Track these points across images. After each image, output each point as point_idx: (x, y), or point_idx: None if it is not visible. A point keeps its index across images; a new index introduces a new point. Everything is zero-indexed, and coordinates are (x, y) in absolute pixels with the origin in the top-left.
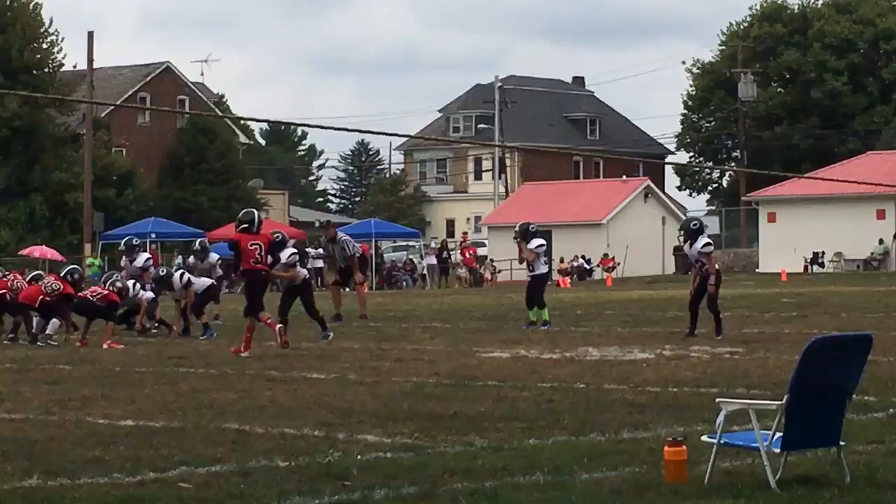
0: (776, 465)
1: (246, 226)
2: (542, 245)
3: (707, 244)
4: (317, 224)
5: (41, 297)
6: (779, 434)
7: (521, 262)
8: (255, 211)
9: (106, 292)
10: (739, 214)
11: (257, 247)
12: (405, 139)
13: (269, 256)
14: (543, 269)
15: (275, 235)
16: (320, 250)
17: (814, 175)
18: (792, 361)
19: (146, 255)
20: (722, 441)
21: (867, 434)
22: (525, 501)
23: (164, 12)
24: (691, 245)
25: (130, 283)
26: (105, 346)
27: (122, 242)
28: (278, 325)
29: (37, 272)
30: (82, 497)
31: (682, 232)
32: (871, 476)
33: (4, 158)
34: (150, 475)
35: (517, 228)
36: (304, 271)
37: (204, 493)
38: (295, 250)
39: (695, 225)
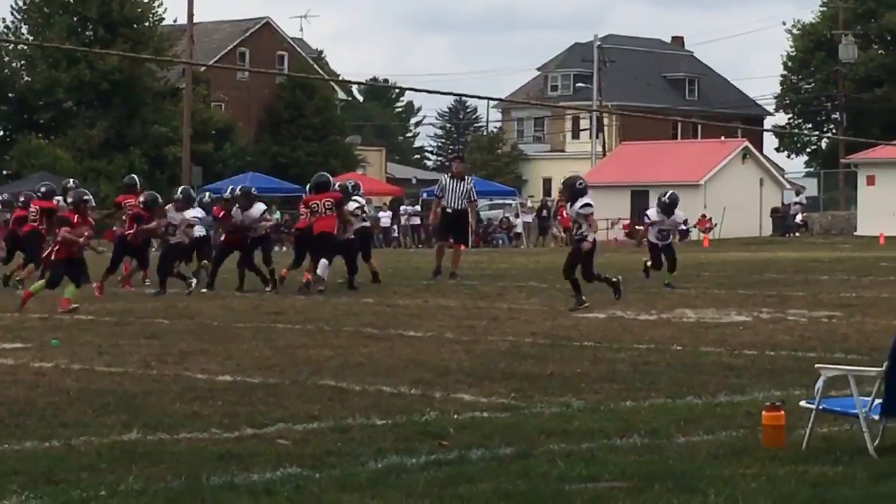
0: (875, 431)
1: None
2: (587, 205)
3: (586, 205)
4: (413, 181)
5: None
6: (878, 401)
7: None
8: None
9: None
10: (838, 177)
11: None
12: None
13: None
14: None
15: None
16: (417, 207)
17: None
18: (890, 326)
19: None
20: (820, 407)
21: None
22: (621, 464)
23: None
24: (572, 205)
25: None
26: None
27: (238, 189)
28: None
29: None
30: (181, 451)
31: (565, 190)
32: None
33: (104, 112)
34: (247, 431)
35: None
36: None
37: (301, 450)
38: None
39: (580, 184)
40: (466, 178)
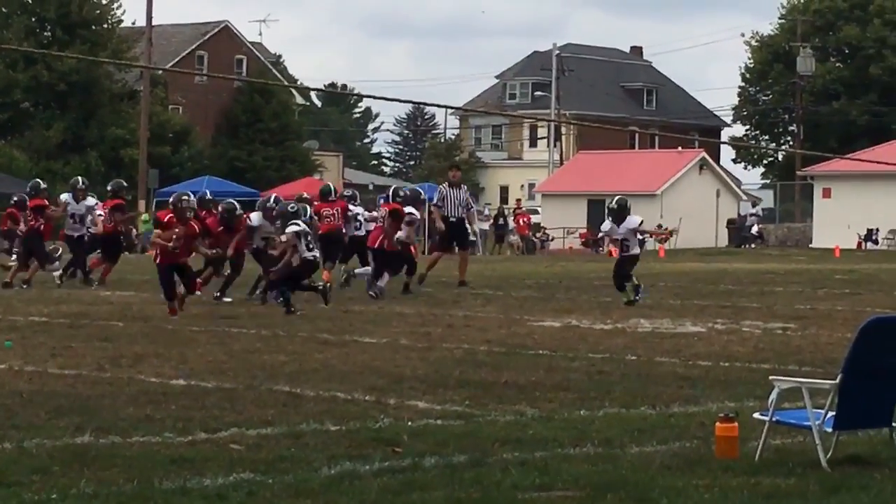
0: (828, 444)
1: None
2: (293, 225)
3: (291, 224)
4: (370, 187)
5: None
6: (831, 413)
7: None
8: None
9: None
10: (794, 189)
11: None
12: (461, 104)
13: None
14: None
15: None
16: (374, 213)
17: (856, 157)
18: (844, 339)
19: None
20: (774, 418)
21: None
22: (575, 473)
23: None
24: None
25: None
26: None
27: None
28: None
29: None
30: (134, 455)
31: (278, 217)
32: None
33: (61, 113)
34: (201, 435)
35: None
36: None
37: (255, 455)
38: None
39: (292, 208)
40: (463, 186)
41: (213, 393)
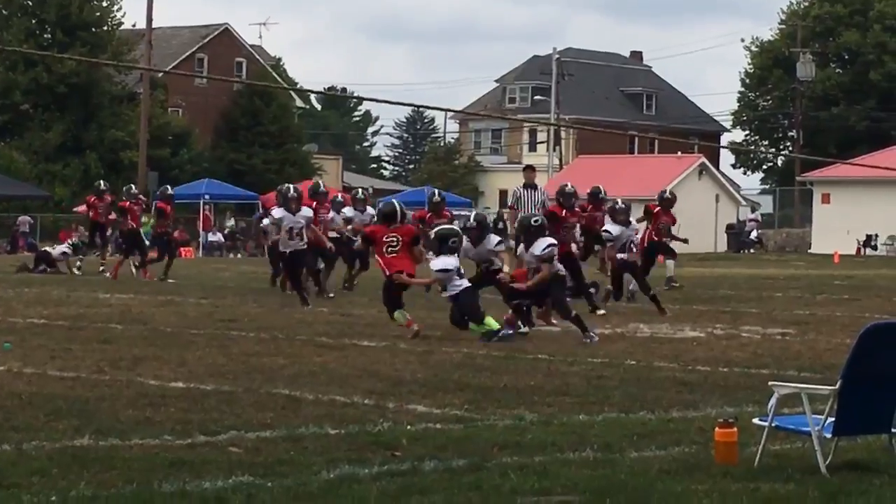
0: (827, 449)
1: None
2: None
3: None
4: (370, 190)
5: None
6: (831, 419)
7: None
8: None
9: None
10: (793, 194)
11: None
12: (461, 108)
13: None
14: None
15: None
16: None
17: (855, 162)
18: (843, 344)
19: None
20: (773, 424)
21: None
22: (574, 477)
23: None
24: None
25: None
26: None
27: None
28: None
29: None
30: (133, 458)
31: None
32: None
33: (61, 115)
34: (200, 438)
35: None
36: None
37: (254, 458)
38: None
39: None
40: (539, 186)
41: (212, 396)
